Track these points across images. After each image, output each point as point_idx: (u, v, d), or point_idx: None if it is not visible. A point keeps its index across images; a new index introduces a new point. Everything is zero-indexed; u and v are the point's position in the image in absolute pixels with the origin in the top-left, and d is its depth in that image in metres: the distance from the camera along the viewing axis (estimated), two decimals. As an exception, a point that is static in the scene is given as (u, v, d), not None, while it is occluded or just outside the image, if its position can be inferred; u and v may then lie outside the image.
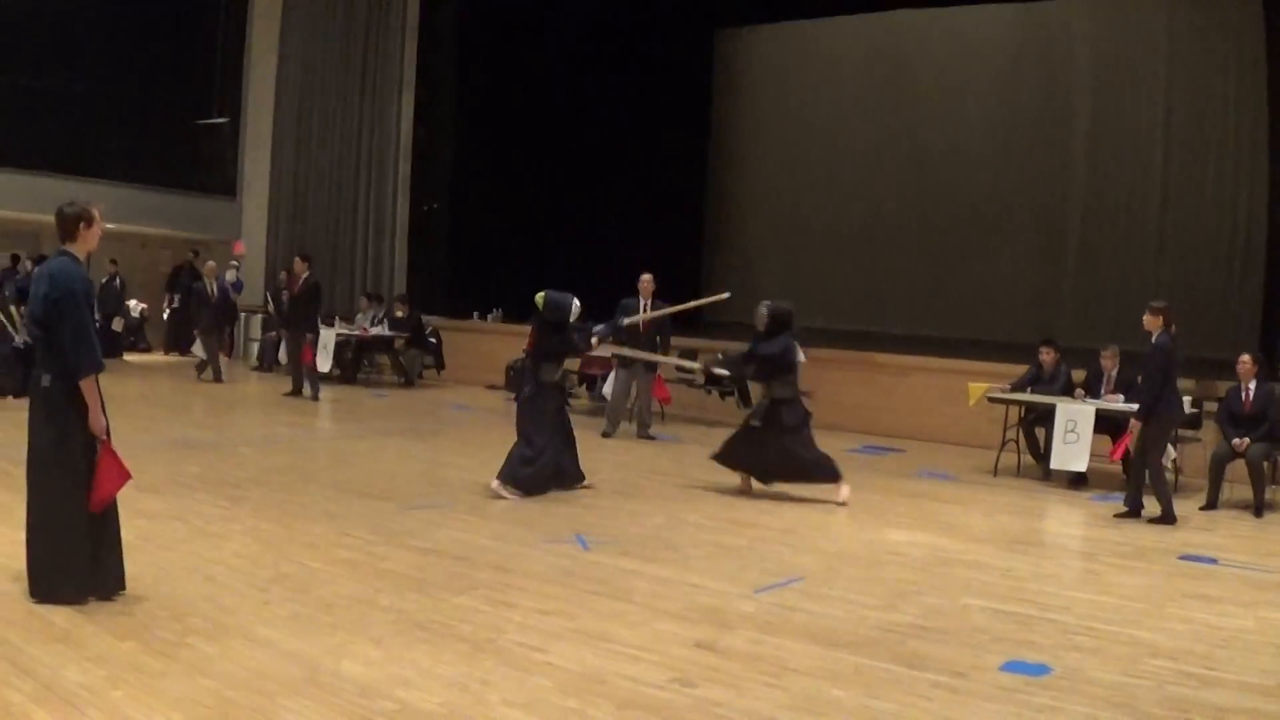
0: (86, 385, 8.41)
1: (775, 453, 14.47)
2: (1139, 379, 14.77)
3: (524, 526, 12.08)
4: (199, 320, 25.70)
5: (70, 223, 8.73)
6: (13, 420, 15.91)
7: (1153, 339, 14.07)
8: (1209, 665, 8.37)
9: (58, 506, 8.44)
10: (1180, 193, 27.46)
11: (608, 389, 20.04)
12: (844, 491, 14.26)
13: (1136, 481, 14.26)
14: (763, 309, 14.84)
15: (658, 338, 19.24)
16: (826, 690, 7.55)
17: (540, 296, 14.38)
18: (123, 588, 8.75)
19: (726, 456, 14.88)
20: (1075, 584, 10.95)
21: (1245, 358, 15.32)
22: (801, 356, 14.95)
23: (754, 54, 35.40)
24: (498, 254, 30.40)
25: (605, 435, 19.17)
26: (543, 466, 13.95)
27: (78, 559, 8.47)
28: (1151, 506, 13.93)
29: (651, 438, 19.17)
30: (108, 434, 8.64)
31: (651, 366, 19.29)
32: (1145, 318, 14.17)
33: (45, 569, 8.48)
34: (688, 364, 18.58)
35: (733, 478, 14.88)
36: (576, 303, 14.27)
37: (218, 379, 24.29)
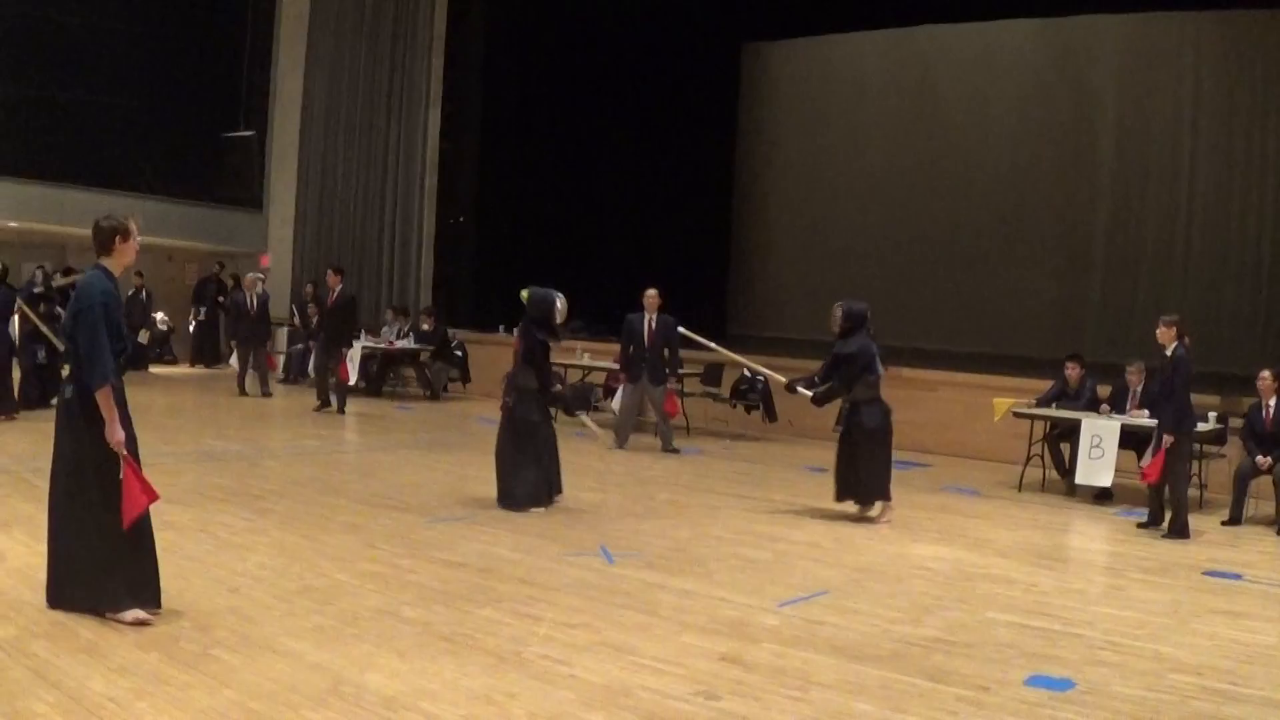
0: (101, 397, 8.32)
1: (865, 461, 14.38)
2: (1158, 391, 14.72)
3: (549, 539, 12.09)
4: (237, 332, 25.67)
5: (106, 236, 8.70)
6: (32, 431, 16.03)
7: (1168, 352, 14.07)
8: (1233, 681, 8.35)
9: (76, 519, 8.40)
10: (1205, 208, 27.40)
11: (616, 402, 20.12)
12: (887, 513, 14.13)
13: (1160, 494, 14.25)
14: (837, 310, 14.85)
15: (665, 351, 19.30)
16: (850, 704, 7.55)
17: (525, 293, 14.51)
18: (157, 605, 8.63)
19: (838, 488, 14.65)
20: (1100, 599, 10.93)
21: (1265, 374, 15.29)
22: (880, 369, 14.73)
23: (780, 69, 35.38)
24: (524, 267, 30.33)
25: (615, 448, 19.21)
26: (537, 478, 13.94)
27: (93, 571, 8.41)
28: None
29: (676, 450, 19.15)
30: (134, 450, 8.56)
31: (661, 379, 19.36)
32: (1159, 330, 14.25)
33: (60, 580, 8.56)
34: (762, 370, 18.11)
35: (760, 489, 14.92)
36: (561, 299, 14.44)
37: (242, 391, 24.34)
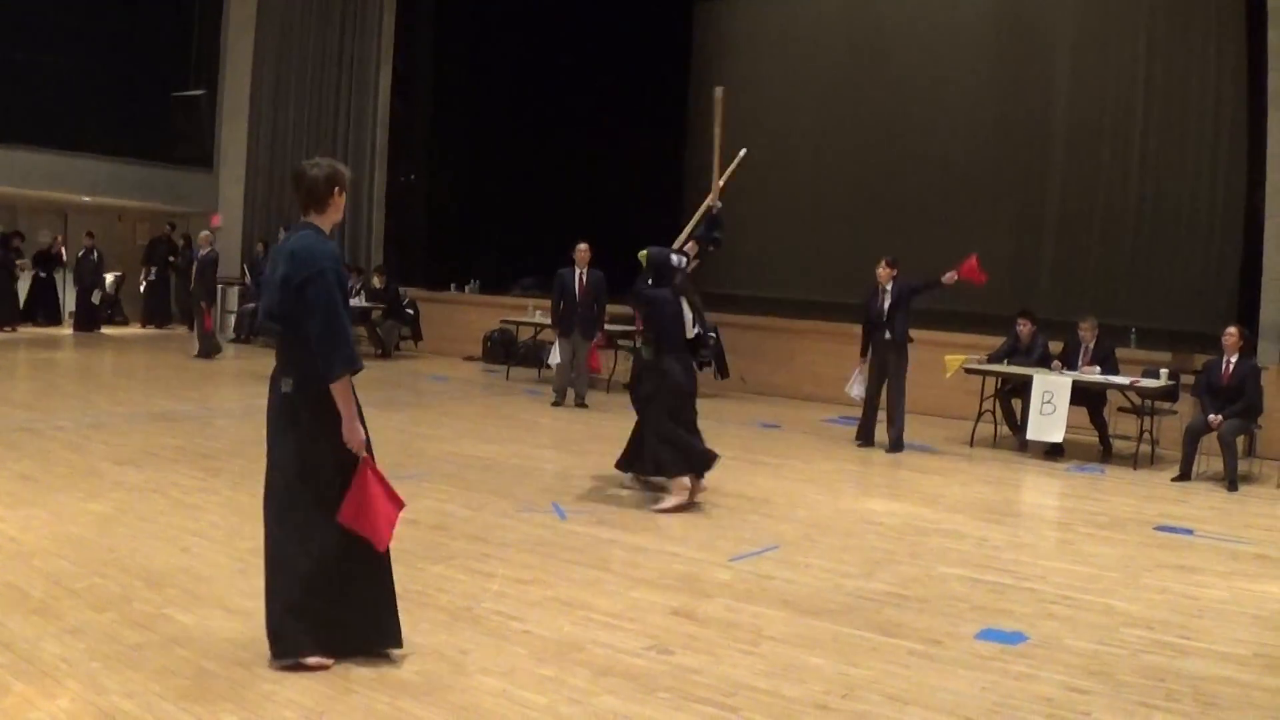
0: (339, 389, 7.08)
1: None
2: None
3: (501, 496, 12.08)
4: (203, 292, 24.86)
5: (321, 187, 7.35)
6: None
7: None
8: (1184, 635, 8.40)
9: (300, 538, 7.05)
10: (1159, 166, 27.41)
11: (553, 359, 20.06)
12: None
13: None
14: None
15: (595, 305, 19.47)
16: (803, 658, 7.57)
17: (643, 254, 12.80)
18: (398, 644, 7.32)
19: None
20: (1051, 553, 10.98)
21: (1232, 330, 15.34)
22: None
23: (733, 26, 35.26)
24: (475, 225, 30.39)
25: (555, 405, 19.33)
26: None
27: (315, 601, 7.00)
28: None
29: (585, 405, 19.35)
30: (369, 450, 7.22)
31: (591, 334, 19.47)
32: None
33: (279, 618, 7.03)
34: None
35: (712, 445, 14.94)
36: (677, 255, 12.74)
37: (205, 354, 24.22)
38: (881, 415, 16.48)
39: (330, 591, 7.04)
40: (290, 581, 7.01)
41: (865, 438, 16.61)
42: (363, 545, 7.03)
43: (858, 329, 17.02)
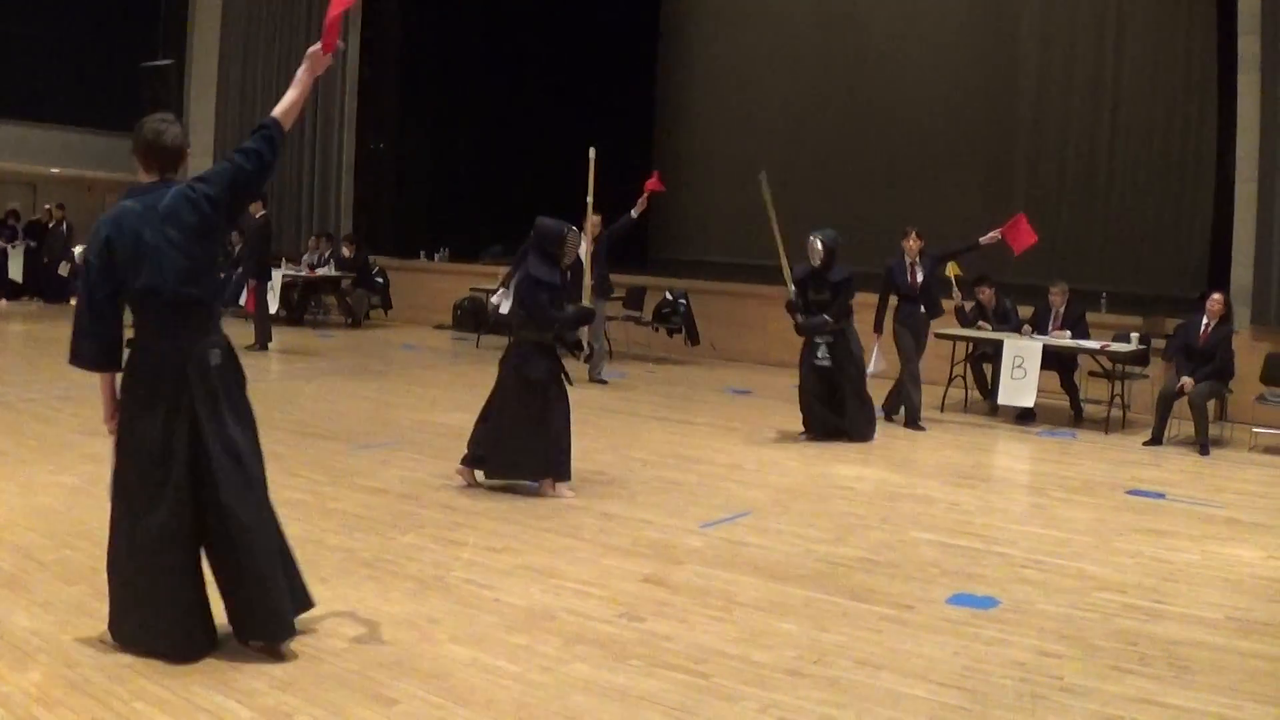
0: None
1: (854, 390, 14.53)
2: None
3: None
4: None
5: None
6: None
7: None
8: (1156, 599, 8.41)
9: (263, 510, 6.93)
10: (1129, 130, 27.44)
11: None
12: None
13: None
14: (816, 241, 14.64)
15: (606, 268, 19.02)
16: (774, 624, 7.56)
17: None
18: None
19: (808, 423, 14.67)
20: (1023, 518, 10.99)
21: (1217, 296, 15.33)
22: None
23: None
24: (445, 193, 30.29)
25: (601, 381, 18.77)
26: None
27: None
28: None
29: (604, 381, 18.77)
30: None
31: (606, 292, 19.18)
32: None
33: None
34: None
35: (683, 412, 14.92)
36: (574, 232, 11.54)
37: None
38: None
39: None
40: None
41: (894, 409, 16.17)
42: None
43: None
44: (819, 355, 14.43)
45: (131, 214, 6.56)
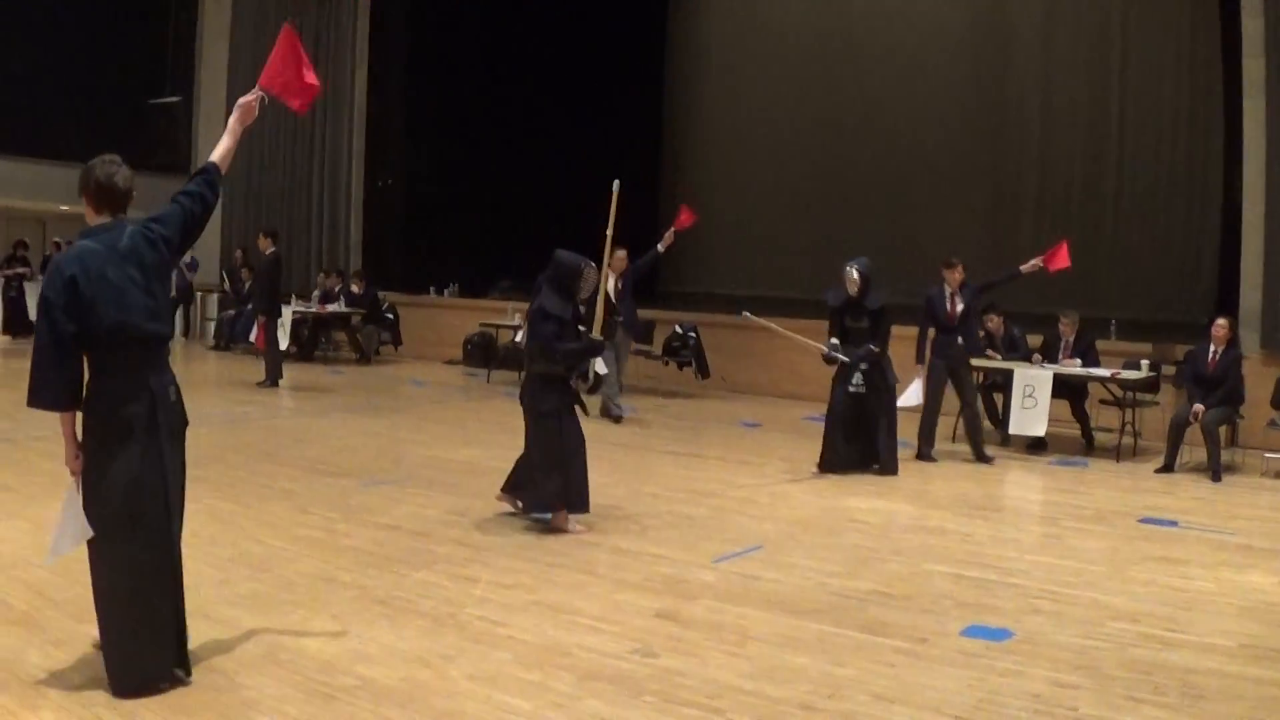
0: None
1: (886, 422, 14.48)
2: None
3: (484, 501, 12.02)
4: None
5: None
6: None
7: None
8: (1171, 627, 8.39)
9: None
10: (1135, 156, 27.42)
11: (600, 368, 18.34)
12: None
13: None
14: (852, 271, 14.49)
15: (633, 304, 18.84)
16: (788, 658, 7.55)
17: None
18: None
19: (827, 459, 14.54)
20: (1036, 548, 10.97)
21: (1222, 322, 15.34)
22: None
23: (707, 19, 35.27)
24: (453, 228, 30.33)
25: (617, 420, 18.43)
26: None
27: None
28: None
29: (619, 418, 18.48)
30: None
31: (634, 329, 19.18)
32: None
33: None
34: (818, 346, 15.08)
35: (694, 445, 14.88)
36: (593, 269, 11.51)
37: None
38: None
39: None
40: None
41: (928, 449, 15.80)
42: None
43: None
44: (854, 381, 14.36)
45: (94, 253, 6.69)
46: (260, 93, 7.80)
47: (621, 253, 18.18)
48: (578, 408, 11.30)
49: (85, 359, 6.69)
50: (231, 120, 7.61)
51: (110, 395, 6.69)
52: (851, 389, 14.33)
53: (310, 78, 8.03)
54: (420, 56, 31.24)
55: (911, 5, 30.86)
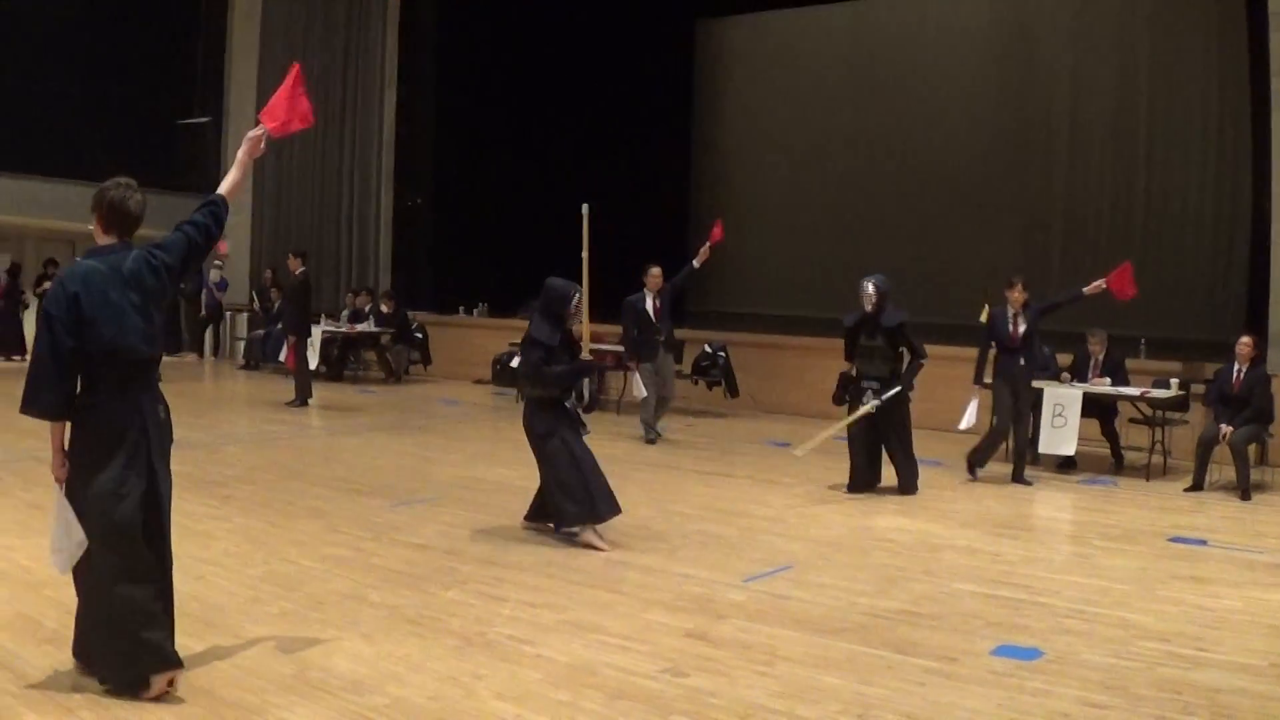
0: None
1: (900, 442, 14.37)
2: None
3: (513, 520, 12.04)
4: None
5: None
6: None
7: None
8: (1200, 646, 8.38)
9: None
10: (1163, 175, 27.43)
11: (638, 391, 18.26)
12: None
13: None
14: (868, 285, 14.37)
15: (670, 324, 18.69)
16: (818, 678, 7.55)
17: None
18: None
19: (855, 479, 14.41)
20: (1065, 567, 10.95)
21: (1246, 340, 15.30)
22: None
23: (735, 44, 35.34)
24: (482, 248, 30.35)
25: (649, 442, 18.28)
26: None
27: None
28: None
29: (654, 440, 18.31)
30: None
31: (673, 351, 19.06)
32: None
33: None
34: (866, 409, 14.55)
35: (723, 465, 14.86)
36: (579, 294, 11.80)
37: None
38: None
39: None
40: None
41: (978, 467, 15.75)
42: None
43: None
44: (866, 403, 14.13)
45: (98, 273, 6.90)
46: (264, 130, 8.04)
47: (657, 270, 18.20)
48: (575, 425, 11.47)
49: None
50: (240, 154, 7.86)
51: (102, 411, 6.88)
52: (863, 409, 14.17)
53: (305, 107, 8.41)
54: (449, 76, 31.29)
55: (938, 26, 30.93)
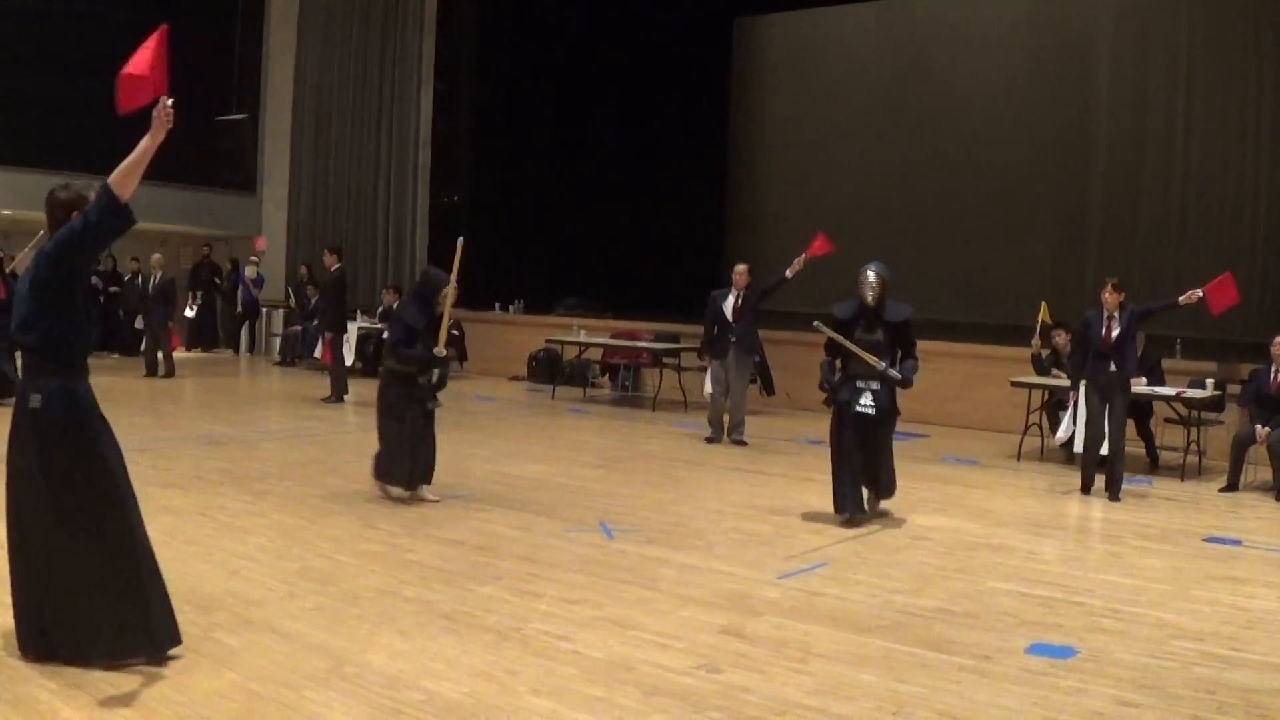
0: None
1: (885, 447, 13.02)
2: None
3: (548, 516, 12.09)
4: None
5: (58, 212, 7.85)
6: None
7: None
8: (1235, 646, 8.36)
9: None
10: (1201, 175, 27.37)
11: (706, 388, 18.52)
12: None
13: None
14: (869, 273, 13.05)
15: (753, 324, 18.41)
16: (853, 675, 7.55)
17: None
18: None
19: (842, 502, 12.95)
20: (1100, 566, 10.93)
21: (1279, 340, 15.27)
22: None
23: (772, 42, 35.34)
24: (518, 245, 30.42)
25: (710, 441, 18.17)
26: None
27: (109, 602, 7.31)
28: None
29: (744, 443, 18.04)
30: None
31: (750, 350, 18.52)
32: None
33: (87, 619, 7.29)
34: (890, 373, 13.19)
35: (759, 463, 14.84)
36: (451, 285, 13.31)
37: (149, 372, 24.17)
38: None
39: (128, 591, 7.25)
40: (81, 584, 7.13)
41: (1089, 483, 14.96)
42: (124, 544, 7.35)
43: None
44: (861, 402, 12.82)
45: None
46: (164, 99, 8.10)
47: (742, 267, 18.18)
48: (424, 399, 13.00)
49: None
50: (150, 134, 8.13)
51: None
52: (859, 409, 12.82)
53: (163, 75, 8.40)
54: (486, 74, 31.39)
55: (978, 35, 30.86)
